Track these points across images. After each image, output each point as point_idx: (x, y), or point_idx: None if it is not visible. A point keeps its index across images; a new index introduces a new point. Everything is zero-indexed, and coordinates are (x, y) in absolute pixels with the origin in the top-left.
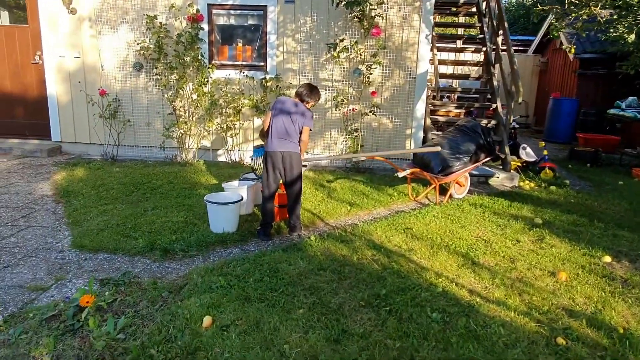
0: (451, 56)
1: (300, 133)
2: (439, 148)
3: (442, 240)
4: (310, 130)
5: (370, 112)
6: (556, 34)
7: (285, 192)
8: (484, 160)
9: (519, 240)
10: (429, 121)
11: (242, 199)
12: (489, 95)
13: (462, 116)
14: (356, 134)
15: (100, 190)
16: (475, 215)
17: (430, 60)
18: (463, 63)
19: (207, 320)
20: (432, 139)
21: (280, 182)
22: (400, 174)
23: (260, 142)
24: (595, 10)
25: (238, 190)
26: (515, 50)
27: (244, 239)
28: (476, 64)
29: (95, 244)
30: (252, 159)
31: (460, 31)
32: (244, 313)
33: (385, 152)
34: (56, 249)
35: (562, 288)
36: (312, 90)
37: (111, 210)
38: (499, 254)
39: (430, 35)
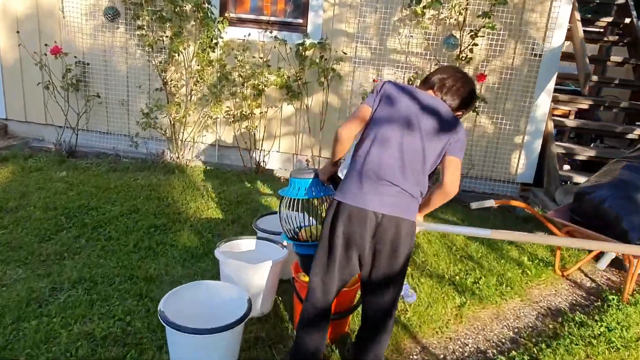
0: None
1: (433, 172)
2: None
3: None
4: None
5: None
6: None
7: (356, 297)
8: None
9: None
10: (551, 125)
11: (247, 314)
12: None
13: (571, 117)
14: None
15: (5, 223)
16: None
17: (567, 30)
18: (593, 40)
19: None
20: (566, 160)
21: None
22: (601, 266)
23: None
24: None
25: (244, 271)
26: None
27: None
28: (617, 42)
29: None
30: (284, 212)
31: None
32: None
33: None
34: None
35: None
36: (468, 82)
37: None
38: None
39: None
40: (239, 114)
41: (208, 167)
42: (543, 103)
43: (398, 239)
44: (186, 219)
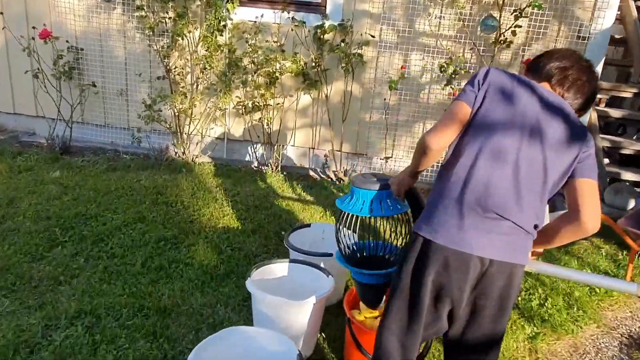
0: None
1: (553, 196)
2: None
3: None
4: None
5: None
6: None
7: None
8: None
9: None
10: (594, 116)
11: None
12: None
13: (601, 106)
14: None
15: None
16: None
17: (618, 11)
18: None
19: None
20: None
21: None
22: None
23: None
24: None
25: (285, 310)
26: None
27: None
28: None
29: None
30: (341, 229)
31: None
32: None
33: None
34: None
35: None
36: (594, 75)
37: None
38: None
39: None
40: (250, 105)
41: (217, 164)
42: None
43: (509, 290)
44: (200, 229)
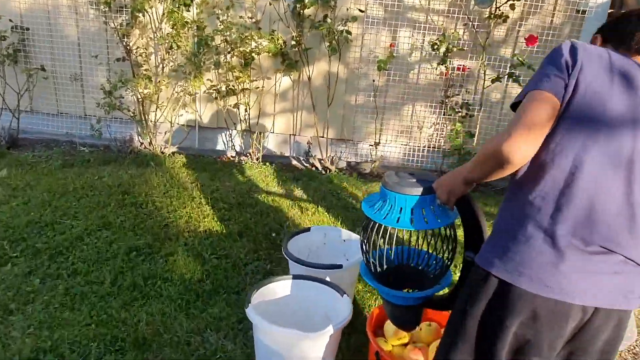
0: None
1: None
2: None
3: None
4: None
5: (509, 74)
6: None
7: None
8: None
9: None
10: None
11: None
12: None
13: None
14: (465, 114)
15: None
16: None
17: None
18: None
19: None
20: None
21: None
22: None
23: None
24: None
25: (297, 343)
26: None
27: None
28: None
29: None
30: (369, 239)
31: None
32: None
33: None
34: None
35: None
36: None
37: None
38: None
39: None
40: (224, 89)
41: (189, 155)
42: None
43: (614, 344)
44: (177, 235)
